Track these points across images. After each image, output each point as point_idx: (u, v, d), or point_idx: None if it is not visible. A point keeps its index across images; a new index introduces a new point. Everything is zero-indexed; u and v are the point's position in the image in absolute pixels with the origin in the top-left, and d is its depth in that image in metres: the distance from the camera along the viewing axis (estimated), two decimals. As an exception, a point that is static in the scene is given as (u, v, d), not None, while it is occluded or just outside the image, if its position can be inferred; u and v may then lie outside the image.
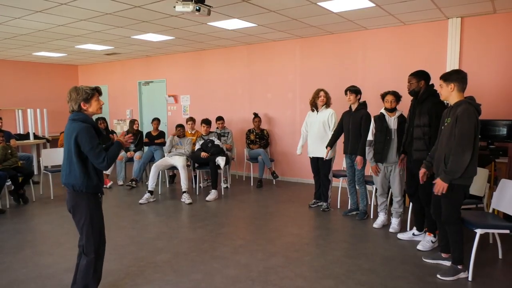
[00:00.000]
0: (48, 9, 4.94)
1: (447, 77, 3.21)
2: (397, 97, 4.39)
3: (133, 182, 7.06)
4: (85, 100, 2.66)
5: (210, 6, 4.41)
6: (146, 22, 5.69)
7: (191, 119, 7.29)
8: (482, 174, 3.88)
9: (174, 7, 4.13)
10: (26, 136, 8.70)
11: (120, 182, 7.29)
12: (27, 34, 6.51)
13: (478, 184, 3.80)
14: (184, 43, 7.54)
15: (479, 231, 3.17)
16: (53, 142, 8.94)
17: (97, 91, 2.75)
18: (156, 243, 4.18)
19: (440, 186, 3.12)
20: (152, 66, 9.57)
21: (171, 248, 4.05)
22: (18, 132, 8.98)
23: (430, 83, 3.86)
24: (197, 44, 7.75)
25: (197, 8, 4.05)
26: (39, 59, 9.64)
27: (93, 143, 2.58)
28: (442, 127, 3.29)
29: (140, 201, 5.92)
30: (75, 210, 2.73)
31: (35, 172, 8.05)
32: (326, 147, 5.09)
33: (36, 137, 8.77)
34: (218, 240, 4.27)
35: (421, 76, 3.85)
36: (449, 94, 3.20)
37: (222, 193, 6.53)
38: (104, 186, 6.94)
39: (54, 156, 6.84)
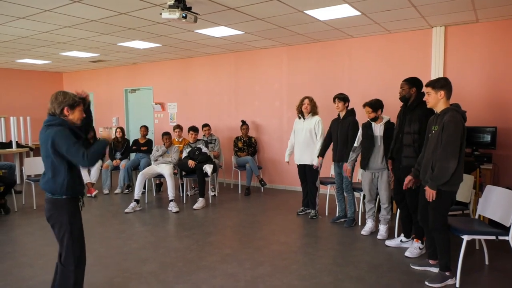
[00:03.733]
0: (31, 16, 4.86)
1: (435, 85, 3.23)
2: (374, 107, 4.36)
3: (129, 189, 7.15)
4: (70, 106, 2.58)
5: (197, 14, 4.39)
6: (132, 29, 5.64)
7: (178, 127, 7.22)
8: (467, 181, 3.91)
9: (161, 14, 4.10)
10: (8, 145, 8.50)
11: (106, 191, 7.16)
12: (10, 40, 6.39)
13: (464, 191, 3.82)
14: (171, 50, 7.50)
15: (466, 238, 3.18)
16: (36, 151, 8.75)
17: (84, 102, 2.71)
18: (141, 253, 4.10)
19: (429, 193, 3.13)
20: (138, 74, 9.49)
21: (157, 258, 3.96)
22: (0, 141, 8.77)
23: (422, 90, 3.89)
24: (184, 52, 7.72)
25: (184, 15, 4.02)
26: (23, 66, 9.47)
27: (68, 142, 2.47)
28: (429, 135, 3.31)
29: (126, 210, 5.81)
30: (54, 219, 2.63)
31: (18, 181, 7.85)
32: (318, 157, 5.08)
33: (19, 145, 8.58)
34: (205, 249, 4.20)
35: (413, 83, 3.87)
36: (437, 102, 3.22)
37: (210, 201, 6.46)
38: (89, 195, 6.81)
39: (37, 165, 6.66)
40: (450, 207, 3.25)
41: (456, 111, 3.15)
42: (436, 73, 5.68)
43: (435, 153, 3.15)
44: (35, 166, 6.61)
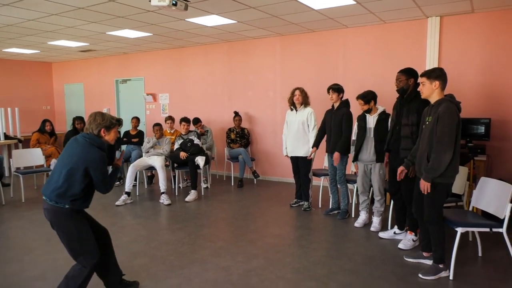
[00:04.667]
0: (16, 2, 4.69)
1: (430, 74, 3.17)
2: (366, 99, 4.30)
3: (121, 181, 7.05)
4: (106, 127, 2.68)
5: (187, 1, 4.28)
6: (121, 17, 5.49)
7: (170, 118, 7.11)
8: (462, 172, 3.88)
9: (150, 1, 3.98)
10: (-4, 136, 8.33)
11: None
12: (-4, 29, 6.22)
13: (458, 182, 3.79)
14: (162, 40, 7.35)
15: (460, 230, 3.16)
16: (25, 143, 8.58)
17: (119, 123, 2.80)
18: (132, 247, 4.03)
19: (423, 185, 3.10)
20: (129, 64, 9.32)
21: (148, 251, 3.90)
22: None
23: (418, 81, 3.82)
24: (176, 41, 7.57)
25: (174, 2, 3.91)
26: (10, 55, 9.25)
27: (105, 174, 2.61)
28: (423, 126, 3.26)
29: (117, 203, 5.73)
30: (58, 226, 2.61)
31: (6, 173, 7.71)
32: (312, 147, 5.03)
33: (7, 137, 8.41)
34: (197, 242, 4.15)
35: (410, 74, 3.79)
36: (431, 92, 3.17)
37: (202, 194, 6.40)
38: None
39: (26, 157, 6.57)
40: (445, 200, 3.22)
41: (451, 102, 3.10)
42: (431, 63, 5.63)
43: (429, 145, 3.11)
44: (24, 158, 6.51)
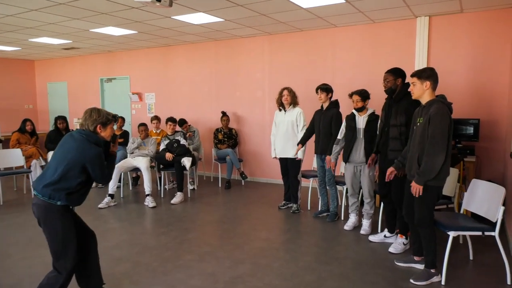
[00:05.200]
0: (-8, -3, 4.50)
1: (421, 74, 3.09)
2: (363, 96, 4.25)
3: None
4: (103, 124, 2.63)
5: (173, -3, 4.13)
6: (105, 14, 5.31)
7: (156, 118, 6.95)
8: (452, 174, 3.82)
9: (133, -3, 3.83)
10: (-25, 136, 8.04)
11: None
12: (-27, 25, 5.97)
13: (448, 184, 3.73)
14: (148, 38, 7.17)
15: (452, 234, 3.09)
16: (6, 143, 8.30)
17: (115, 120, 2.76)
18: (114, 252, 3.87)
19: (415, 188, 3.01)
20: (114, 62, 9.10)
21: (131, 257, 3.75)
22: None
23: (406, 81, 3.76)
24: (162, 40, 7.40)
25: (158, -2, 3.76)
26: (-10, 53, 8.96)
27: (102, 168, 2.58)
28: (414, 127, 3.18)
29: (100, 206, 5.54)
30: (45, 224, 2.51)
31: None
32: (298, 144, 4.92)
33: (-14, 137, 8.12)
34: (182, 247, 4.01)
35: (398, 73, 3.72)
36: (422, 93, 3.09)
37: (189, 195, 6.25)
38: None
39: (6, 158, 6.32)
40: (436, 202, 3.15)
41: (442, 103, 3.03)
42: (420, 63, 5.58)
43: (420, 147, 3.03)
44: (3, 159, 6.26)
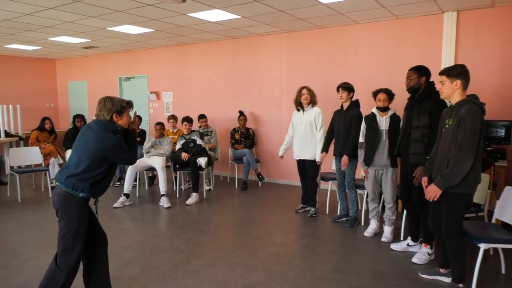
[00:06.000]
0: (8, -5, 4.48)
1: (450, 72, 2.85)
2: (389, 95, 4.05)
3: (121, 181, 6.79)
4: (118, 112, 2.60)
5: (187, -7, 4.00)
6: (120, 11, 5.24)
7: (173, 117, 6.88)
8: (483, 180, 3.53)
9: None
10: (-4, 134, 8.17)
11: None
12: (-7, 24, 6.02)
13: (478, 191, 3.44)
14: (165, 36, 7.10)
15: (483, 246, 2.83)
16: (27, 140, 8.39)
17: (129, 106, 2.70)
18: (125, 254, 3.77)
19: (432, 192, 2.77)
20: (133, 61, 9.10)
21: (141, 260, 3.64)
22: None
23: (430, 80, 3.51)
24: (179, 38, 7.32)
25: (171, -6, 3.63)
26: (13, 52, 9.08)
27: (125, 153, 2.59)
28: (443, 130, 2.94)
29: (115, 205, 5.50)
30: (63, 213, 2.50)
31: (7, 172, 7.52)
32: (322, 152, 4.73)
33: (8, 134, 8.24)
34: (195, 250, 3.88)
35: (422, 71, 3.48)
36: (452, 92, 2.85)
37: (204, 196, 6.13)
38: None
39: (24, 156, 6.36)
40: (465, 212, 2.90)
41: (474, 103, 2.78)
42: (446, 62, 5.28)
43: (450, 151, 2.79)
44: (21, 156, 6.31)
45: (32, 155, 6.40)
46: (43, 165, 6.45)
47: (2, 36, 7.07)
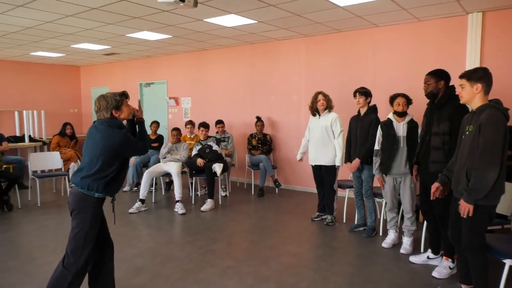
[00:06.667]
0: (28, 3, 4.57)
1: (471, 76, 2.69)
2: (408, 100, 3.90)
3: (139, 187, 6.69)
4: (116, 107, 2.59)
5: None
6: (137, 18, 5.29)
7: (190, 123, 6.87)
8: (508, 190, 3.32)
9: (158, -1, 3.71)
10: (21, 139, 8.42)
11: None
12: (17, 32, 6.19)
13: (504, 202, 3.23)
14: (183, 42, 7.13)
15: (508, 262, 2.63)
16: (50, 145, 8.62)
17: (125, 96, 2.67)
18: (136, 261, 3.75)
19: (465, 208, 2.60)
20: (152, 67, 9.20)
21: (152, 267, 3.61)
22: (15, 135, 8.71)
23: (450, 84, 3.34)
24: (198, 44, 7.34)
25: (182, -2, 3.61)
26: (39, 59, 9.35)
27: (134, 145, 2.62)
28: (463, 136, 2.77)
29: (130, 210, 5.51)
30: (77, 213, 2.54)
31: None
32: (346, 162, 4.62)
33: (32, 139, 8.48)
34: (206, 259, 3.81)
35: (440, 75, 3.33)
36: (472, 97, 2.68)
37: (220, 202, 6.08)
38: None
39: (46, 160, 6.50)
40: (488, 224, 2.71)
41: (496, 108, 2.60)
42: (471, 65, 5.03)
43: (470, 159, 2.62)
44: (42, 161, 6.43)
45: (52, 159, 6.54)
46: (63, 169, 6.57)
47: (27, 44, 7.28)
